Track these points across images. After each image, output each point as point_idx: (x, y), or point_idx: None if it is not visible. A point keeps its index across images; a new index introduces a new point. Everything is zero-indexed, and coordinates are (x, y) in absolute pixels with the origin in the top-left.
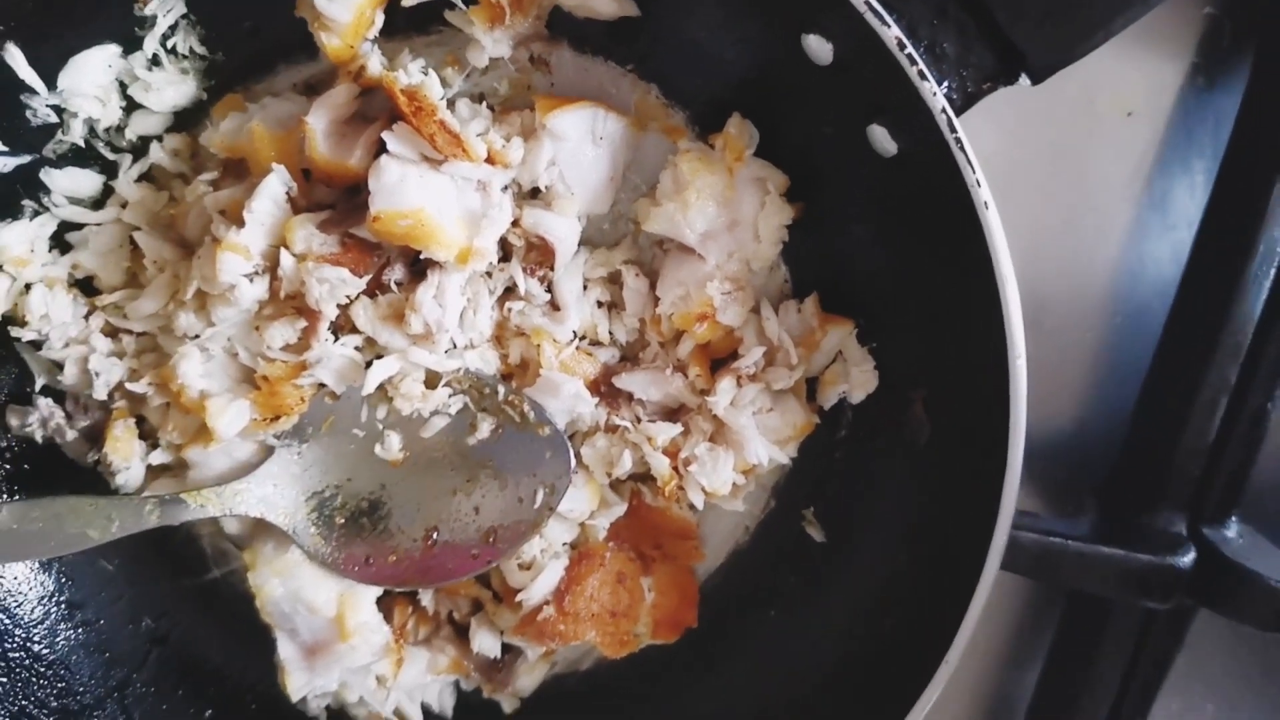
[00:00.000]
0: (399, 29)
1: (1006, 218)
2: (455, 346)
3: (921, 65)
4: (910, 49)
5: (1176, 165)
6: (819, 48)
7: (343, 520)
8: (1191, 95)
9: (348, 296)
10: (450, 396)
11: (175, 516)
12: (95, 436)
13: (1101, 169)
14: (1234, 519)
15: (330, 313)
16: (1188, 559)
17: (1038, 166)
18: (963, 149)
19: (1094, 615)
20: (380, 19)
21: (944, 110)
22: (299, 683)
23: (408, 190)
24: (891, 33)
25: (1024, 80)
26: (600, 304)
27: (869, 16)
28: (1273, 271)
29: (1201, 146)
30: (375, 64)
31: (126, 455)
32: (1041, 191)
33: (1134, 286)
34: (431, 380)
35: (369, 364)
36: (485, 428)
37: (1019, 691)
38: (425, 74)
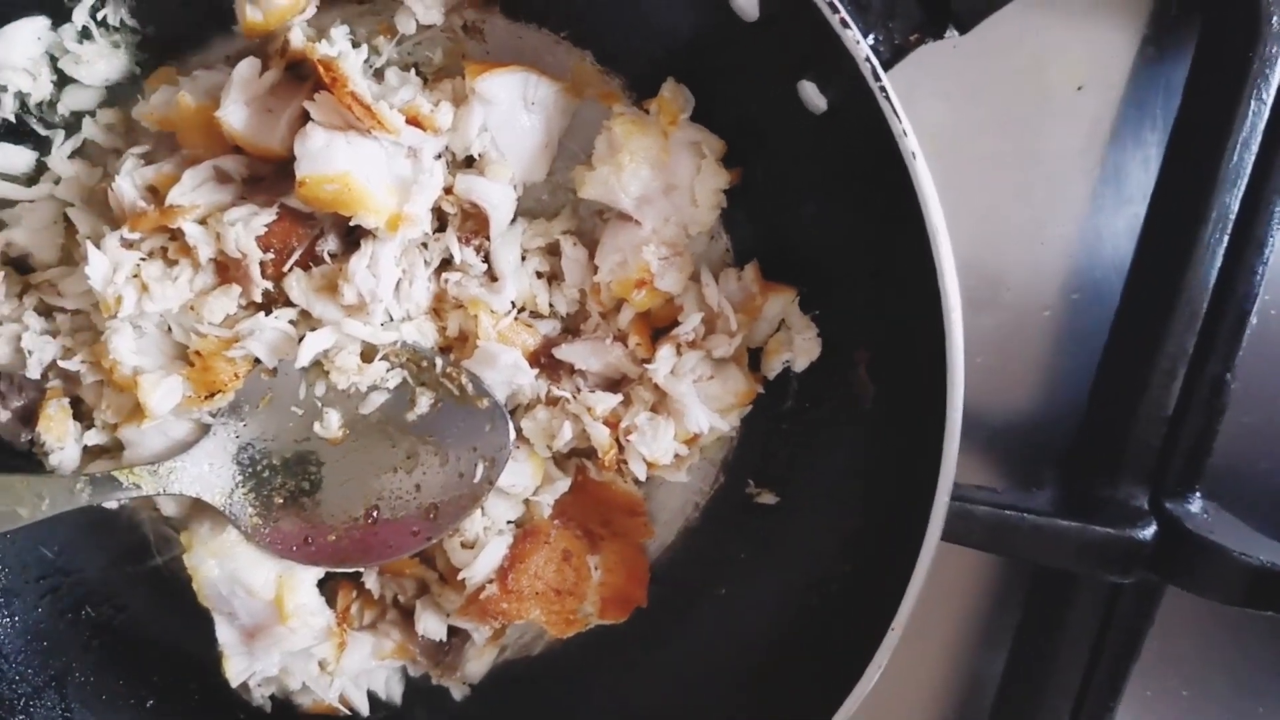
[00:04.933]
0: None
1: (958, 193)
2: (392, 319)
3: (845, 14)
4: None
5: (1129, 138)
6: (746, 2)
7: (281, 500)
8: (1142, 67)
9: (272, 246)
10: (388, 371)
11: (107, 494)
12: (29, 417)
13: (1054, 143)
14: (1197, 493)
15: (254, 252)
16: (1148, 532)
17: (989, 141)
18: (888, 98)
19: (1059, 592)
20: (313, 9)
21: (868, 59)
22: (239, 667)
23: (334, 155)
24: None
25: (952, 33)
26: (540, 275)
27: None
28: (1226, 238)
29: (1154, 118)
30: (298, 35)
31: (61, 435)
32: (993, 167)
33: (1091, 262)
34: (368, 353)
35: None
36: (424, 402)
37: (991, 671)
38: (354, 42)
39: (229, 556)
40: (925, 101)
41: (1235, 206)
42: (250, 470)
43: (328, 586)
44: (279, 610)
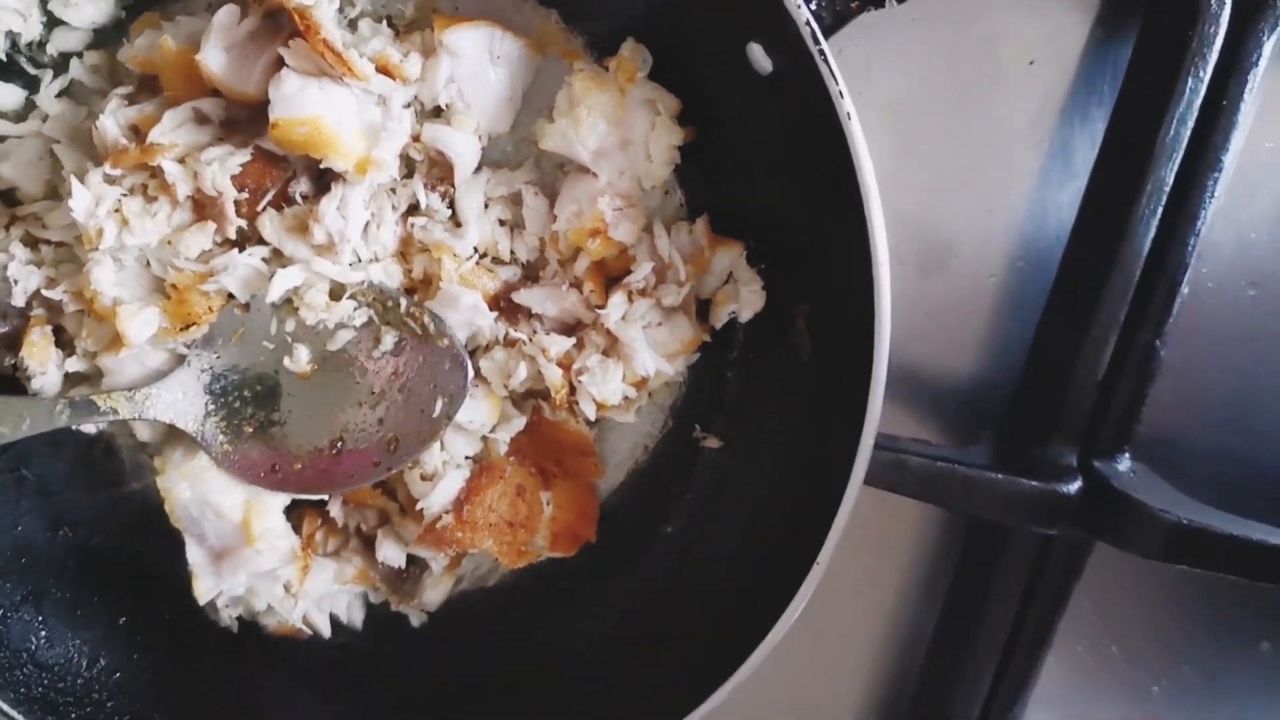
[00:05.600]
0: None
1: (912, 162)
2: (360, 260)
3: None
4: None
5: (1076, 114)
6: None
7: (250, 429)
8: (1091, 45)
9: (247, 186)
10: (355, 309)
11: (84, 417)
12: (13, 343)
13: (1005, 117)
14: (1126, 454)
15: (229, 191)
16: (1074, 487)
17: (943, 113)
18: (827, 61)
19: (992, 546)
20: None
21: (808, 23)
22: (206, 586)
23: (306, 100)
24: None
25: (891, 3)
26: (502, 223)
27: None
28: (1160, 211)
29: (1100, 96)
30: None
31: (43, 361)
32: (946, 138)
33: (1037, 232)
34: (336, 292)
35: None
36: (389, 340)
37: (928, 621)
38: None
39: (200, 480)
40: (882, 75)
41: (1170, 180)
42: (222, 400)
43: (294, 514)
44: (246, 533)
